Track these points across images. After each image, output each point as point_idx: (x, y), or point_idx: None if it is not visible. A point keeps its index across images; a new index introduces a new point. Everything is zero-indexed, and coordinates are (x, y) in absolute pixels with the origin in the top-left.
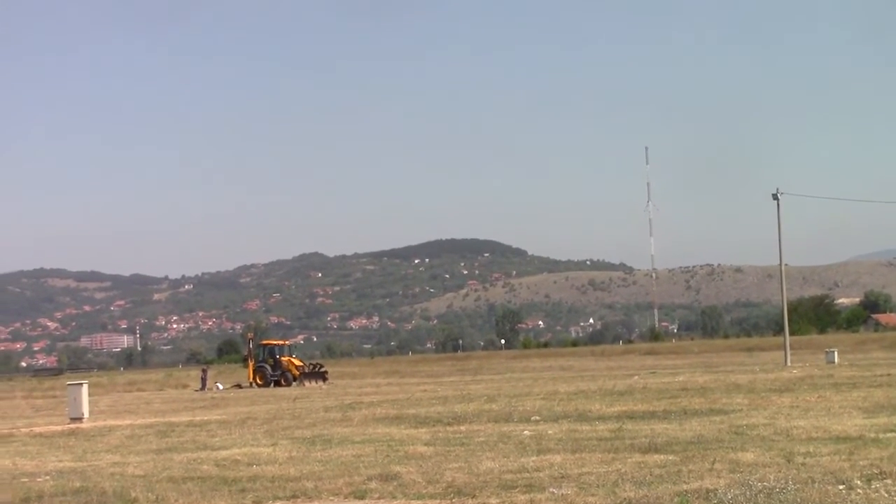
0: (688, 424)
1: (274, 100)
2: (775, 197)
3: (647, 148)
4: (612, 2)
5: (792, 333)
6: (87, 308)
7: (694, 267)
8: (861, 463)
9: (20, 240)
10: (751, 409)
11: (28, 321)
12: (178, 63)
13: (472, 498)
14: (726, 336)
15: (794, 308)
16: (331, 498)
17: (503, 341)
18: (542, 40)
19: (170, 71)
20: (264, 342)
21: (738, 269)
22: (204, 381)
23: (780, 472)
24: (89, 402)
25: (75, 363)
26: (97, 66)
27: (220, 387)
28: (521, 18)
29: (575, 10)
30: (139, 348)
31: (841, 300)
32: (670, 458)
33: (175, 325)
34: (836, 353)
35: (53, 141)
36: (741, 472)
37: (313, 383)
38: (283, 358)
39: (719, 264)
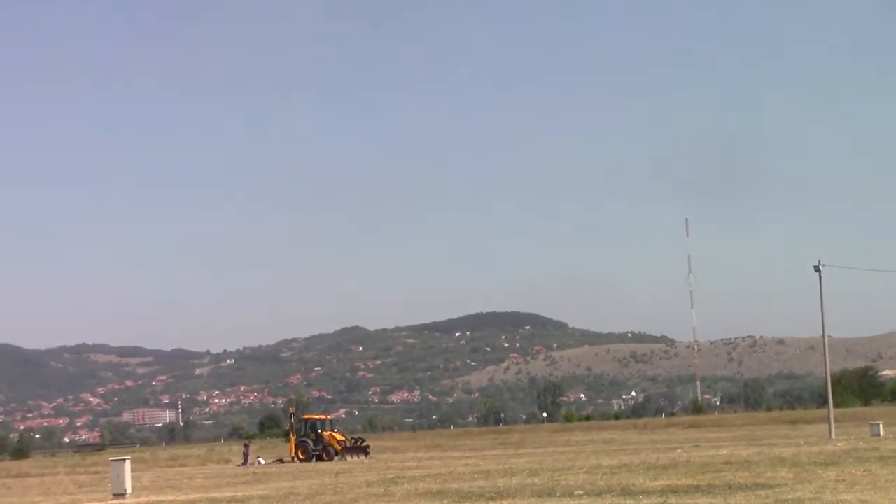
0: (733, 499)
1: (314, 176)
2: (817, 269)
3: (687, 220)
4: (653, 73)
5: (836, 406)
6: (129, 383)
7: (736, 339)
8: None
9: (62, 315)
10: (796, 483)
11: (71, 397)
12: (222, 137)
13: None
14: (769, 408)
15: (838, 380)
16: None
17: (545, 414)
18: (582, 115)
19: (212, 147)
20: (306, 417)
21: (781, 341)
22: (246, 455)
23: None
24: (132, 477)
25: (118, 438)
26: (141, 141)
27: (263, 461)
28: (559, 101)
29: (613, 85)
30: (181, 423)
31: (885, 372)
32: None
33: (217, 400)
34: (881, 425)
35: (94, 218)
36: None
37: (355, 458)
38: (324, 432)
39: (761, 336)
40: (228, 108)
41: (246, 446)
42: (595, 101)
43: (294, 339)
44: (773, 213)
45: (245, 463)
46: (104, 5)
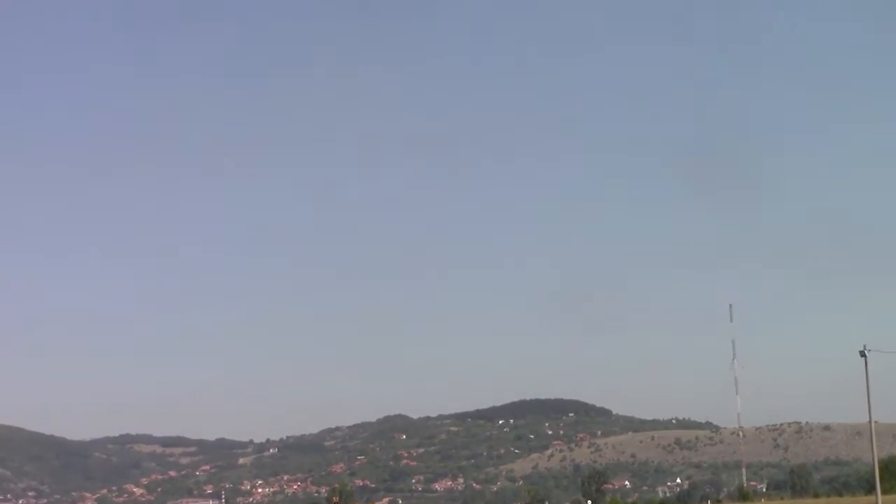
0: None
1: (357, 267)
2: (863, 354)
3: (731, 305)
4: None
5: (884, 492)
6: (172, 473)
7: (781, 425)
8: None
9: (106, 406)
10: None
11: (114, 487)
12: (266, 227)
13: None
14: (816, 495)
15: (885, 466)
16: None
17: (589, 502)
18: (627, 196)
19: (257, 237)
20: None
21: (827, 427)
22: None
23: None
24: None
25: None
26: (185, 231)
27: None
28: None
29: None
30: None
31: None
32: None
33: (260, 490)
34: None
35: (136, 307)
36: None
37: None
38: None
39: (807, 422)
40: (291, 198)
41: None
42: (645, 171)
43: (337, 428)
44: (819, 299)
45: None
46: None
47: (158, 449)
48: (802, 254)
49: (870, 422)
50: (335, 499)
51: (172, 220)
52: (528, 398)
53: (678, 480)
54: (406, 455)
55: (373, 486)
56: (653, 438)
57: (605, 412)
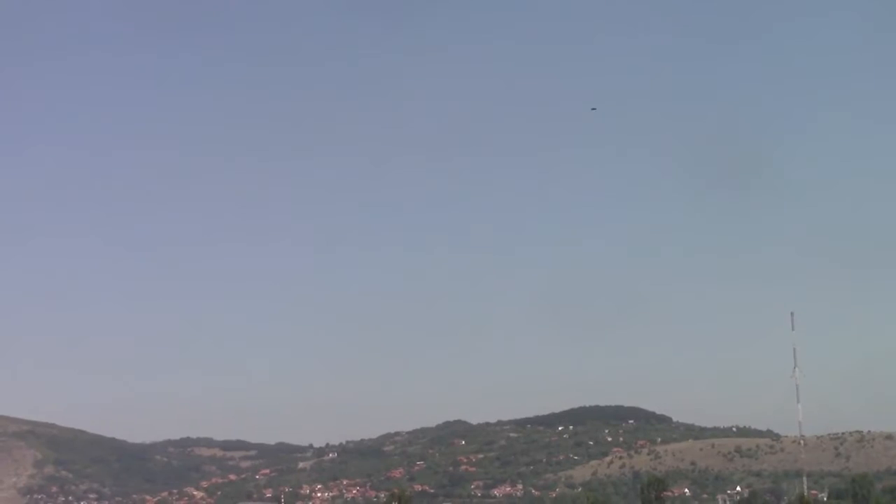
0: None
1: (418, 270)
2: None
3: (792, 313)
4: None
5: None
6: (232, 477)
7: (843, 433)
8: None
9: (167, 410)
10: None
11: (175, 490)
12: (322, 230)
13: None
14: None
15: None
16: None
17: None
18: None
19: (315, 242)
20: None
21: (889, 436)
22: None
23: None
24: None
25: None
26: (240, 239)
27: None
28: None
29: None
30: None
31: None
32: None
33: (319, 494)
34: None
35: (198, 314)
36: None
37: None
38: None
39: (869, 431)
40: (343, 201)
41: None
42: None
43: (397, 433)
44: (882, 306)
45: None
46: None
47: (219, 452)
48: (864, 260)
49: None
50: None
51: (232, 227)
52: (587, 405)
53: (738, 489)
54: (465, 461)
55: (432, 491)
56: (713, 446)
57: (664, 419)
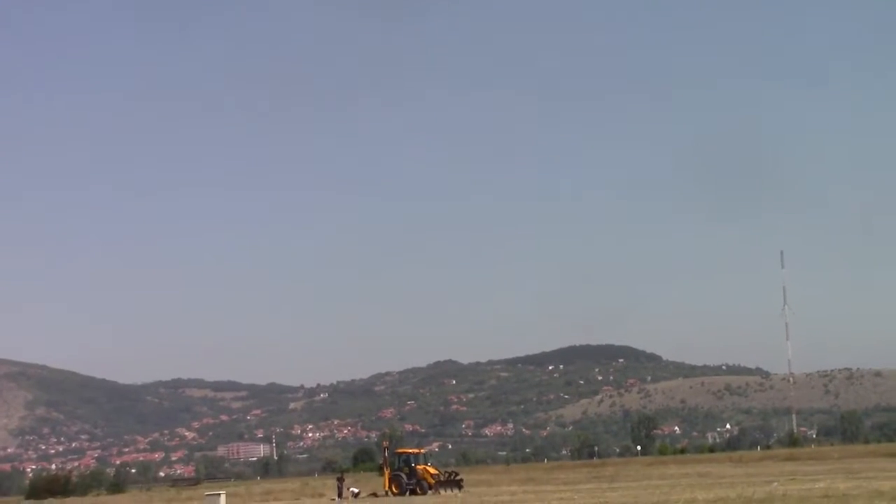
0: None
1: (404, 213)
2: None
3: (782, 252)
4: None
5: None
6: (223, 418)
7: (832, 371)
8: None
9: (158, 351)
10: None
11: (166, 431)
12: (308, 168)
13: None
14: (867, 441)
15: None
16: None
17: (639, 447)
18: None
19: (301, 182)
20: (399, 451)
21: (878, 373)
22: (340, 489)
23: None
24: None
25: (212, 473)
26: (226, 183)
27: (356, 491)
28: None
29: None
30: (275, 457)
31: None
32: None
33: (311, 434)
34: None
35: (186, 255)
36: None
37: (449, 491)
38: (418, 466)
39: (858, 368)
40: (325, 145)
41: (340, 480)
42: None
43: (387, 373)
44: (869, 244)
45: (339, 496)
46: None
47: (210, 393)
48: (851, 198)
49: None
50: (385, 443)
51: (216, 164)
52: (577, 344)
53: (728, 426)
54: (456, 400)
55: (423, 430)
56: (703, 384)
57: (654, 358)
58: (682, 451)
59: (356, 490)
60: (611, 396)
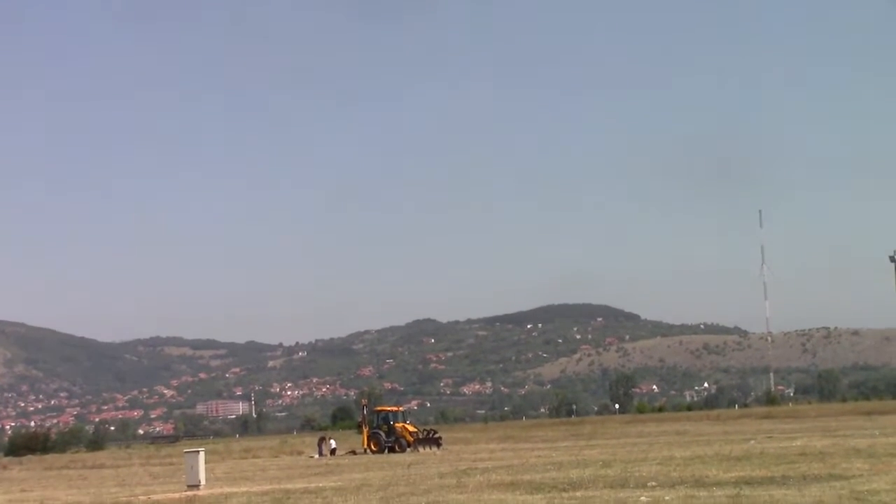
0: (807, 490)
1: (381, 168)
2: (892, 259)
3: (760, 211)
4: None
5: None
6: (202, 376)
7: (810, 330)
8: None
9: (137, 309)
10: (872, 475)
11: (145, 389)
12: (280, 132)
13: None
14: (844, 400)
15: None
16: None
17: (617, 406)
18: (653, 106)
19: (279, 143)
20: (378, 409)
21: (855, 332)
22: (321, 449)
23: None
24: (206, 469)
25: (191, 430)
26: (203, 142)
27: (334, 443)
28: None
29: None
30: (254, 415)
31: None
32: None
33: (289, 392)
34: None
35: (167, 214)
36: None
37: (427, 449)
38: (397, 424)
39: (836, 327)
40: (302, 101)
41: (322, 440)
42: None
43: (366, 332)
44: (849, 202)
45: (319, 455)
46: None
47: (189, 351)
48: (830, 157)
49: None
50: (364, 401)
51: (194, 120)
52: (556, 303)
53: (706, 385)
54: (434, 359)
55: (401, 389)
56: (681, 343)
57: (633, 317)
58: (660, 410)
59: (334, 445)
60: (589, 355)
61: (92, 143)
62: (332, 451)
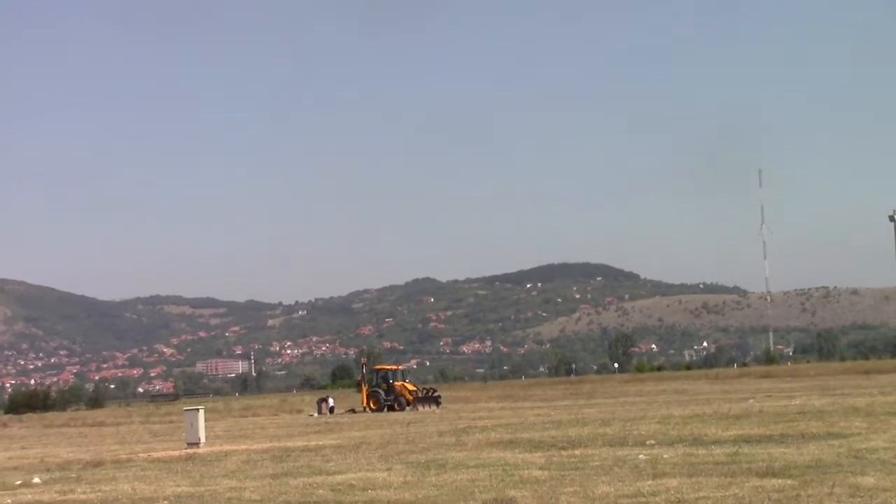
0: (805, 448)
1: (383, 127)
2: (892, 218)
3: (760, 171)
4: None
5: None
6: (202, 334)
7: (809, 289)
8: None
9: (137, 267)
10: (870, 433)
11: (145, 347)
12: (286, 98)
13: None
14: (843, 359)
15: None
16: None
17: (616, 365)
18: (652, 61)
19: (280, 105)
20: (378, 367)
21: (855, 292)
22: (320, 408)
23: None
24: (205, 427)
25: (191, 389)
26: (208, 105)
27: (332, 401)
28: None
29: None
30: (254, 374)
31: None
32: (788, 482)
33: (289, 351)
34: None
35: (169, 171)
36: (861, 496)
37: (427, 408)
38: (396, 383)
39: (835, 287)
40: (298, 64)
41: (322, 401)
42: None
43: (366, 291)
44: (848, 163)
45: (318, 413)
46: None
47: (188, 310)
48: (830, 116)
49: None
50: (363, 360)
51: (196, 76)
52: (555, 262)
53: (705, 344)
54: (434, 318)
55: (401, 348)
56: (680, 302)
57: (632, 276)
58: (659, 369)
59: (332, 403)
60: (588, 314)
61: (88, 101)
62: (331, 410)
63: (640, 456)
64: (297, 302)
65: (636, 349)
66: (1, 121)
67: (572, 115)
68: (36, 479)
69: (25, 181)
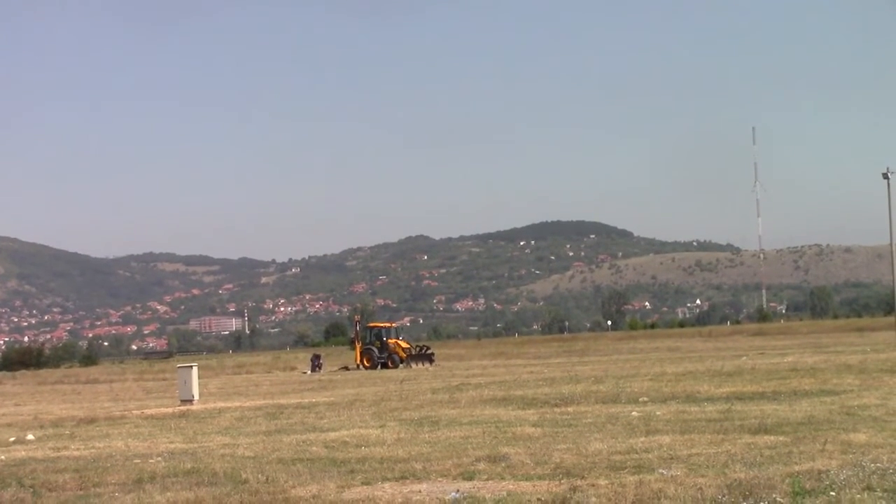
0: (798, 405)
1: (379, 85)
2: (885, 176)
3: (754, 128)
4: None
5: None
6: (195, 292)
7: (802, 247)
8: None
9: (130, 225)
10: (862, 390)
11: (138, 305)
12: (282, 59)
13: (581, 479)
14: (836, 316)
15: None
16: (439, 479)
17: (609, 322)
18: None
19: (279, 67)
20: (371, 325)
21: (848, 249)
22: (314, 365)
23: (893, 453)
24: (199, 384)
25: (185, 346)
26: (206, 57)
27: (320, 361)
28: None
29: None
30: (247, 331)
31: None
32: (780, 439)
33: (282, 308)
34: None
35: (161, 128)
36: (853, 453)
37: (420, 365)
38: (389, 340)
39: (828, 244)
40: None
41: (316, 357)
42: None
43: (359, 248)
44: (842, 120)
45: (312, 371)
46: None
47: (182, 267)
48: (824, 73)
49: (891, 244)
50: (357, 317)
51: (187, 32)
52: (549, 220)
53: (698, 301)
54: (427, 275)
55: (394, 305)
56: (673, 260)
57: (626, 234)
58: (653, 327)
59: (321, 361)
60: (582, 272)
61: (83, 61)
62: (319, 367)
63: (633, 413)
64: (290, 259)
65: (629, 307)
66: None
67: (565, 72)
68: (30, 436)
69: (17, 139)
